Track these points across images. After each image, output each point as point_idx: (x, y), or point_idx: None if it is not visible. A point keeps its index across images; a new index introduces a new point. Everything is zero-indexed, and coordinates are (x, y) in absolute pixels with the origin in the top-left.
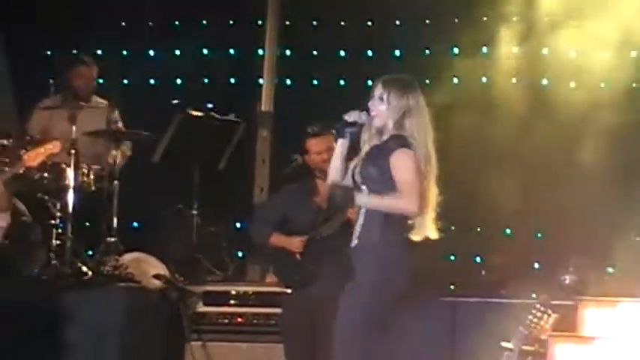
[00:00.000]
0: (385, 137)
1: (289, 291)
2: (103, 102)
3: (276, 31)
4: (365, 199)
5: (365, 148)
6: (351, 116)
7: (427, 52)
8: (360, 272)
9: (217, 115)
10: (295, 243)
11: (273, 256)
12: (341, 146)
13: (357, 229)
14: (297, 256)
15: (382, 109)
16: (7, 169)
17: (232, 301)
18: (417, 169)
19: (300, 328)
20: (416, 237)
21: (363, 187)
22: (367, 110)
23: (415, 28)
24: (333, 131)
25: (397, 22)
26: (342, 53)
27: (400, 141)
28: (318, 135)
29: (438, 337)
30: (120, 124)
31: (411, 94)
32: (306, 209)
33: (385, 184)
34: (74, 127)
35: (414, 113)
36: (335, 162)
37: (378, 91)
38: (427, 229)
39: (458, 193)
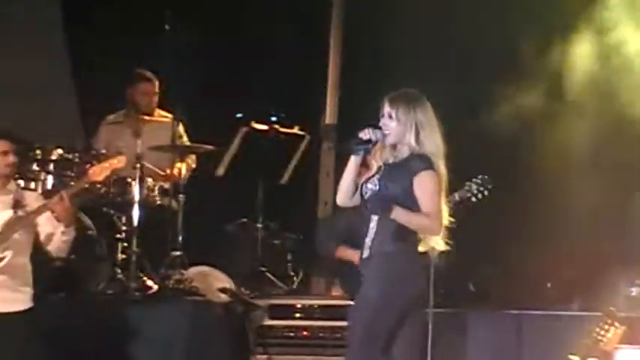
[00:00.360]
0: (404, 155)
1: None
2: (167, 116)
3: (341, 45)
4: (401, 213)
5: (377, 165)
6: (365, 134)
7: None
8: (373, 282)
9: (281, 129)
10: (354, 255)
11: (339, 269)
12: (353, 163)
13: (368, 241)
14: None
15: (393, 125)
16: (72, 183)
17: (297, 315)
18: (440, 190)
19: None
20: (422, 248)
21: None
22: (379, 127)
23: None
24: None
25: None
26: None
27: (424, 162)
28: None
29: (505, 350)
30: (185, 139)
31: (418, 108)
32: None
33: (407, 202)
34: (139, 142)
35: (425, 127)
36: (347, 179)
37: (386, 108)
38: (434, 241)
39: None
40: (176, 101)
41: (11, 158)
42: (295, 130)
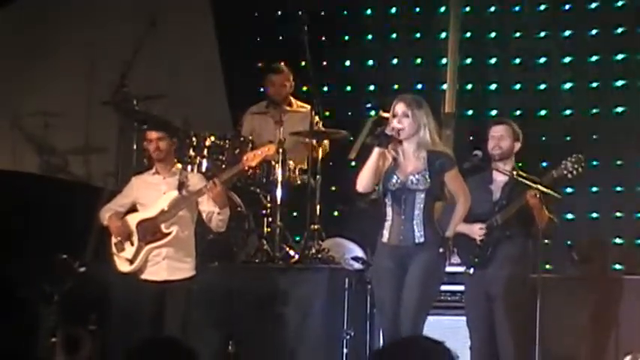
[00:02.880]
0: (427, 152)
1: (471, 271)
2: (305, 106)
3: (458, 42)
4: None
5: (392, 157)
6: (389, 129)
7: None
8: (424, 266)
9: None
10: (476, 229)
11: (457, 241)
12: (377, 154)
13: (418, 229)
14: (478, 241)
15: (408, 123)
16: (232, 167)
17: None
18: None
19: (479, 302)
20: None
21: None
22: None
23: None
24: (374, 141)
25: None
26: (517, 61)
27: (450, 160)
28: (499, 123)
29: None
30: (320, 125)
31: (426, 110)
32: (484, 198)
33: (438, 193)
34: (281, 129)
35: (433, 127)
36: (372, 168)
37: (402, 108)
38: None
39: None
40: (314, 93)
41: (163, 144)
42: None
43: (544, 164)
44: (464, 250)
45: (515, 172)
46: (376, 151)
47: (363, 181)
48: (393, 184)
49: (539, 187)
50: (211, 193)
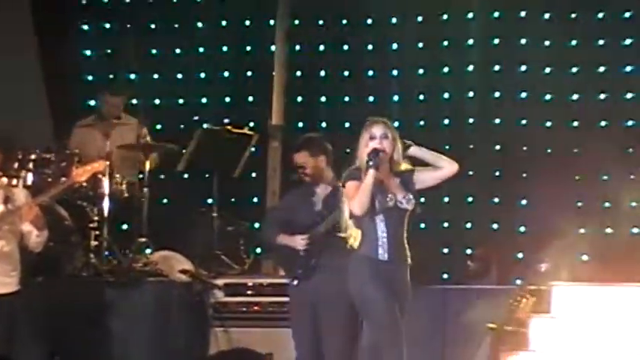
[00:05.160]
0: (401, 169)
1: (295, 283)
2: (133, 119)
3: (286, 56)
4: None
5: (382, 175)
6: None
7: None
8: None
9: (233, 129)
10: (298, 240)
11: (280, 252)
12: (373, 176)
13: (407, 249)
14: (301, 252)
15: (387, 144)
16: (60, 183)
17: (249, 292)
18: None
19: (304, 313)
20: None
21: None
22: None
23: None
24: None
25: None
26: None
27: (414, 175)
28: (296, 151)
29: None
30: (148, 138)
31: (395, 131)
32: (306, 210)
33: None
34: (108, 142)
35: (400, 147)
36: (369, 191)
37: (381, 130)
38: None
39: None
40: (141, 107)
41: None
42: (245, 130)
43: None
44: (287, 262)
45: (338, 184)
46: (371, 173)
47: (363, 204)
48: (388, 203)
49: None
50: (28, 216)
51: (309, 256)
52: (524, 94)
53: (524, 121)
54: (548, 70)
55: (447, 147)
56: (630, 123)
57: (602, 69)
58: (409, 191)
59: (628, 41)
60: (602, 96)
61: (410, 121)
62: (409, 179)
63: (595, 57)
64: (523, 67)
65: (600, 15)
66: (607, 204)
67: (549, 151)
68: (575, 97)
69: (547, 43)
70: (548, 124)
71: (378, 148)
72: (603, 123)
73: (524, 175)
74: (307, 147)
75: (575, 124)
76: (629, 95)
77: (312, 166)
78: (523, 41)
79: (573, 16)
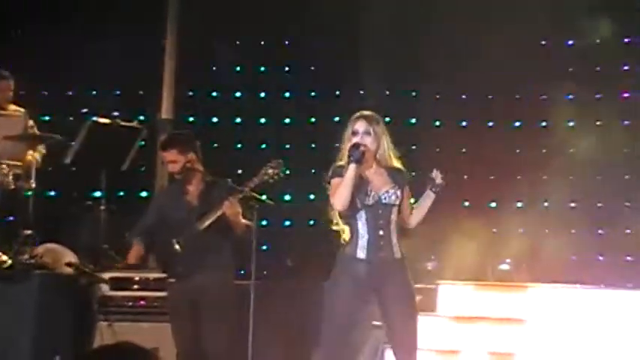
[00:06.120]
0: (389, 166)
1: (173, 280)
2: (20, 110)
3: (177, 48)
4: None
5: (366, 172)
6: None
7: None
8: (406, 282)
9: (122, 122)
10: (130, 258)
11: (159, 249)
12: (354, 171)
13: (395, 244)
14: (179, 249)
15: (369, 140)
16: None
17: (135, 286)
18: None
19: (184, 310)
20: None
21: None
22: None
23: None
24: (350, 157)
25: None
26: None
27: (405, 175)
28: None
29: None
30: (35, 129)
31: (383, 126)
32: (181, 207)
33: (403, 208)
34: None
35: (389, 143)
36: (350, 186)
37: (363, 126)
38: None
39: None
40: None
41: None
42: (134, 123)
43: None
44: (166, 259)
45: (210, 179)
46: (352, 167)
47: (343, 199)
48: (369, 200)
49: (246, 193)
50: None
51: (187, 254)
52: None
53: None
54: None
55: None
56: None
57: None
58: (395, 185)
59: None
60: None
61: (303, 117)
62: (397, 176)
63: None
64: None
65: None
66: (493, 204)
67: (438, 150)
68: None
69: None
70: (437, 123)
71: (359, 142)
72: (492, 123)
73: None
74: (176, 144)
75: (464, 123)
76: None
77: (183, 163)
78: None
79: None
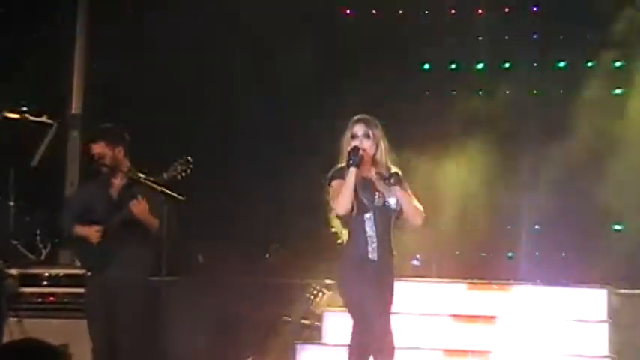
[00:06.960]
0: (385, 169)
1: (89, 274)
2: None
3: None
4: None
5: (367, 174)
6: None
7: None
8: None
9: (31, 117)
10: (93, 232)
11: (77, 243)
12: (354, 175)
13: (392, 246)
14: (96, 243)
15: (369, 143)
16: None
17: (45, 282)
18: None
19: (100, 305)
20: None
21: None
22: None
23: None
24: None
25: None
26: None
27: (400, 177)
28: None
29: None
30: None
31: (380, 130)
32: (103, 200)
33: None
34: None
35: (386, 146)
36: (351, 189)
37: (362, 129)
38: None
39: None
40: None
41: None
42: (44, 118)
43: None
44: (83, 254)
45: (133, 175)
46: (352, 171)
47: (345, 204)
48: (377, 201)
49: (157, 189)
50: None
51: (104, 249)
52: None
53: None
54: None
55: None
56: None
57: None
58: (392, 193)
59: None
60: None
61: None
62: (395, 179)
63: None
64: None
65: None
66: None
67: None
68: None
69: None
70: None
71: (358, 146)
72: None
73: None
74: (105, 137)
75: None
76: None
77: (111, 156)
78: None
79: None
